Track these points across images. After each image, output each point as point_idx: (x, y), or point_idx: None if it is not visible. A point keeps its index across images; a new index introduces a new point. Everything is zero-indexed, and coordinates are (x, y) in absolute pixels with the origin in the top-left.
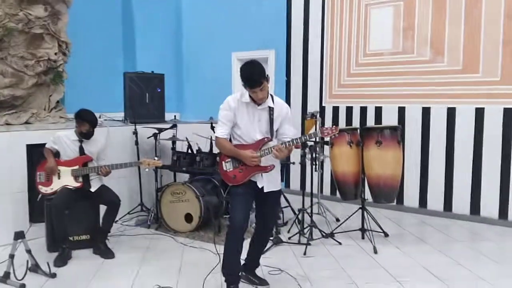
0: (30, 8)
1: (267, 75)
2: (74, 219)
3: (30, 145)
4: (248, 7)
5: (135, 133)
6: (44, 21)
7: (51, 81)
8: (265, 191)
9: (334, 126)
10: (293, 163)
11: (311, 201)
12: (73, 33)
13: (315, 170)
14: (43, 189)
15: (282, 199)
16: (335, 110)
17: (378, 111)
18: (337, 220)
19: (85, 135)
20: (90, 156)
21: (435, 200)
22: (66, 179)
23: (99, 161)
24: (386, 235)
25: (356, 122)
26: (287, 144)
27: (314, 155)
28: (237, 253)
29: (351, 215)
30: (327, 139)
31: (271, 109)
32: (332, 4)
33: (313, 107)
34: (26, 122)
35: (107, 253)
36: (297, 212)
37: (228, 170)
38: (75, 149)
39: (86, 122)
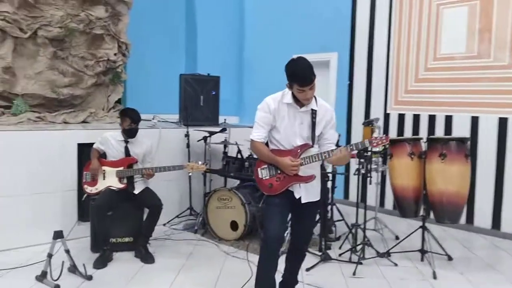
0: (92, 9)
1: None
2: (117, 220)
3: (81, 144)
4: (311, 7)
5: (187, 135)
6: (104, 22)
7: (110, 82)
8: (302, 202)
9: (385, 136)
10: (344, 174)
11: (365, 215)
12: (135, 33)
13: (369, 183)
14: (88, 189)
15: (336, 212)
16: (401, 117)
17: (448, 120)
18: (396, 238)
19: (128, 132)
20: (135, 158)
21: (511, 221)
22: (110, 180)
23: (144, 163)
24: (449, 258)
25: (423, 132)
26: (326, 154)
27: (369, 166)
28: (271, 268)
29: (411, 234)
30: (376, 149)
31: (314, 112)
32: (400, 3)
33: (376, 114)
34: (84, 121)
35: (147, 258)
36: (350, 227)
37: (264, 178)
38: (121, 150)
39: (127, 118)
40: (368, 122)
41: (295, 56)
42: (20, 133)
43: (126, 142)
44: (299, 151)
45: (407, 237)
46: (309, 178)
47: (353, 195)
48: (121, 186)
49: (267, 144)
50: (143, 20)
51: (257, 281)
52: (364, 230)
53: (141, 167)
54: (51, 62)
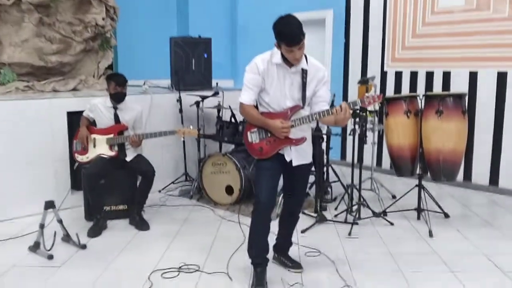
0: None
1: (304, 32)
2: (111, 188)
3: (70, 113)
4: None
5: (179, 100)
6: None
7: (99, 47)
8: (294, 164)
9: (378, 94)
10: (339, 135)
11: (360, 176)
12: None
13: (365, 143)
14: (79, 158)
15: (332, 173)
16: (398, 75)
17: (447, 76)
18: (393, 197)
19: (115, 97)
20: (125, 125)
21: (509, 177)
22: (101, 148)
23: (135, 130)
24: (446, 216)
25: (421, 89)
26: (319, 114)
27: (364, 126)
28: (263, 233)
29: (407, 193)
30: (370, 108)
31: (304, 72)
32: None
33: (373, 72)
34: (74, 89)
35: (142, 225)
36: (346, 188)
37: (254, 142)
38: (110, 117)
39: (111, 81)
40: (363, 81)
41: (283, 14)
42: (7, 103)
43: (115, 108)
44: (289, 113)
45: (403, 196)
46: (299, 141)
47: (349, 156)
48: (112, 153)
49: (256, 107)
50: None
51: (250, 245)
52: (359, 190)
53: (132, 134)
54: (37, 29)
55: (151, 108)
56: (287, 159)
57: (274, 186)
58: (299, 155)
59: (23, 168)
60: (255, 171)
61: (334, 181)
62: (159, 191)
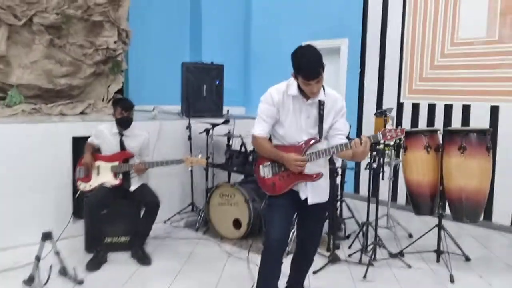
0: None
1: (324, 64)
2: (113, 219)
3: (76, 138)
4: None
5: (189, 127)
6: (104, 8)
7: (110, 71)
8: (309, 203)
9: (400, 128)
10: (354, 169)
11: (376, 213)
12: (137, 20)
13: (382, 179)
14: (82, 186)
15: (346, 208)
16: (415, 107)
17: (466, 110)
18: (410, 236)
19: (121, 122)
20: (131, 152)
21: None
22: (105, 176)
23: (141, 158)
24: (467, 259)
25: (439, 123)
26: (337, 148)
27: (381, 161)
28: (273, 277)
29: (426, 233)
30: (390, 142)
31: (321, 103)
32: None
33: (389, 103)
34: (82, 113)
35: (144, 259)
36: (361, 225)
37: (266, 177)
38: (116, 144)
39: (117, 106)
40: (381, 113)
41: (303, 44)
42: (13, 126)
43: (121, 135)
44: (304, 146)
45: (422, 236)
46: (315, 177)
47: (363, 189)
48: (116, 182)
49: (270, 139)
50: (146, 6)
51: None
52: (375, 229)
53: (138, 162)
54: (47, 51)
55: (160, 134)
56: (302, 196)
57: (286, 226)
58: (315, 192)
59: (24, 194)
60: (266, 208)
61: (348, 217)
62: (164, 222)
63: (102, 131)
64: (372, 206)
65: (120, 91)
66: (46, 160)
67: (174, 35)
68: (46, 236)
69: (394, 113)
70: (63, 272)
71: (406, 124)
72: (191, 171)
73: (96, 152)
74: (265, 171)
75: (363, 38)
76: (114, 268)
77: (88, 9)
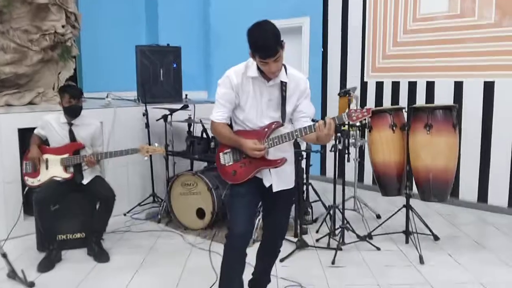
0: None
1: (283, 41)
2: (66, 215)
3: (22, 129)
4: None
5: (145, 114)
6: None
7: (60, 57)
8: (274, 190)
9: (365, 108)
10: (319, 151)
11: (343, 196)
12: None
13: (348, 161)
14: (30, 181)
15: (312, 192)
16: (379, 85)
17: (430, 86)
18: (378, 217)
19: (69, 111)
20: (81, 143)
21: (498, 194)
22: (55, 170)
23: (93, 148)
24: (436, 238)
25: (403, 100)
26: (297, 133)
27: (347, 142)
28: (237, 270)
29: (394, 213)
30: (356, 123)
31: (283, 85)
32: None
33: (353, 83)
34: (30, 103)
35: (101, 256)
36: (328, 209)
37: (226, 164)
38: (65, 134)
39: (65, 94)
40: (344, 92)
41: (259, 21)
42: None
43: (70, 124)
44: (266, 130)
45: (390, 217)
46: (278, 162)
47: (330, 171)
48: (66, 176)
49: (231, 125)
50: None
51: (221, 285)
52: (343, 212)
53: (90, 153)
54: None
55: (114, 122)
56: (266, 184)
57: (250, 216)
58: (280, 179)
59: None
60: (228, 198)
61: (315, 201)
62: (124, 215)
63: (49, 122)
64: (339, 188)
65: (72, 78)
66: None
67: (129, 17)
68: None
69: (358, 92)
70: (12, 275)
71: (371, 103)
72: (151, 160)
73: (43, 144)
74: (225, 158)
75: (324, 16)
76: (69, 267)
77: None
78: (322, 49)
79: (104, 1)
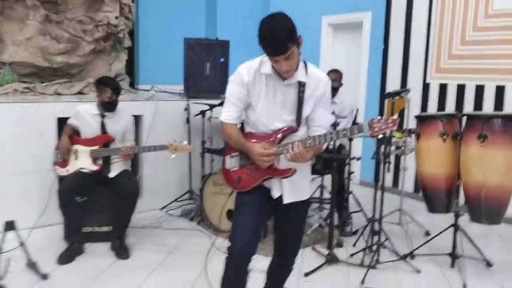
0: None
1: (299, 36)
2: (93, 207)
3: (61, 119)
4: None
5: (187, 109)
6: None
7: (112, 48)
8: (284, 202)
9: (391, 119)
10: (358, 158)
11: (381, 208)
12: None
13: (388, 171)
14: (59, 171)
15: (353, 201)
16: (443, 88)
17: (500, 91)
18: (427, 234)
19: (107, 105)
20: (111, 136)
21: None
22: (83, 161)
23: (125, 142)
24: (488, 264)
25: (469, 106)
26: (311, 141)
27: (387, 150)
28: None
29: (440, 233)
30: (379, 136)
31: (301, 85)
32: None
33: (414, 83)
34: (80, 93)
35: (121, 252)
36: (367, 221)
37: (232, 169)
38: (96, 126)
39: (107, 88)
40: (392, 94)
41: (273, 13)
42: None
43: (103, 116)
44: (279, 135)
45: (436, 236)
46: (286, 172)
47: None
48: (94, 168)
49: (243, 126)
50: None
51: None
52: (379, 226)
53: (120, 146)
54: (42, 27)
55: (155, 116)
56: (275, 195)
57: (253, 230)
58: (292, 189)
59: (7, 179)
60: (234, 207)
61: (356, 211)
62: (160, 209)
63: (81, 112)
64: (392, 198)
65: (130, 70)
66: (30, 143)
67: (188, 10)
68: (9, 226)
69: (418, 95)
70: (31, 264)
71: (433, 107)
72: (190, 155)
73: (76, 134)
74: (232, 162)
75: (387, 12)
76: (88, 261)
77: None
78: (383, 46)
79: None
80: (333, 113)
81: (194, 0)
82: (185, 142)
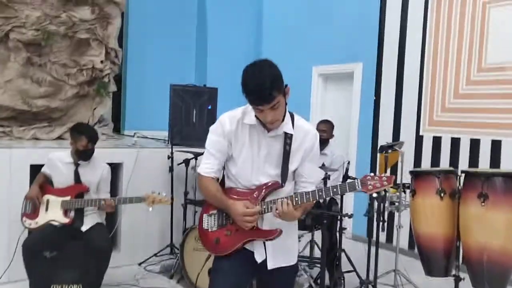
0: (75, 9)
1: (286, 85)
2: (62, 263)
3: (34, 166)
4: (334, 12)
5: (171, 157)
6: (90, 25)
7: (96, 93)
8: (269, 267)
9: (386, 176)
10: (350, 215)
11: (375, 269)
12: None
13: (382, 230)
14: (27, 223)
15: (345, 259)
16: (437, 141)
17: (496, 146)
18: None
19: (82, 154)
20: (85, 186)
21: None
22: (54, 213)
23: (99, 193)
24: None
25: (464, 160)
26: (299, 198)
27: (381, 208)
28: None
29: None
30: (374, 194)
31: (288, 137)
32: (437, 4)
33: (407, 136)
34: (60, 138)
35: None
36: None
37: (210, 230)
38: (69, 175)
39: (83, 136)
40: (386, 148)
41: (257, 60)
42: None
43: (77, 165)
44: (263, 192)
45: None
46: (271, 234)
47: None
48: (65, 221)
49: (223, 180)
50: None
51: None
52: None
53: (95, 198)
54: (23, 69)
55: (136, 164)
56: (258, 259)
57: None
58: (277, 253)
59: None
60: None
61: (349, 271)
62: (139, 265)
63: (52, 160)
64: (385, 255)
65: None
66: (0, 190)
67: (180, 58)
68: None
69: (411, 148)
70: None
71: (426, 160)
72: (172, 207)
73: (49, 184)
74: (209, 221)
75: (378, 63)
76: None
77: (73, 26)
78: (375, 98)
79: (152, 38)
80: (323, 165)
81: (185, 47)
82: (164, 194)
